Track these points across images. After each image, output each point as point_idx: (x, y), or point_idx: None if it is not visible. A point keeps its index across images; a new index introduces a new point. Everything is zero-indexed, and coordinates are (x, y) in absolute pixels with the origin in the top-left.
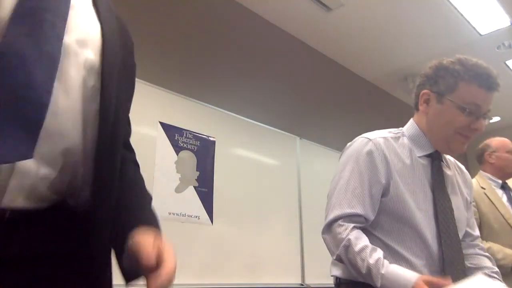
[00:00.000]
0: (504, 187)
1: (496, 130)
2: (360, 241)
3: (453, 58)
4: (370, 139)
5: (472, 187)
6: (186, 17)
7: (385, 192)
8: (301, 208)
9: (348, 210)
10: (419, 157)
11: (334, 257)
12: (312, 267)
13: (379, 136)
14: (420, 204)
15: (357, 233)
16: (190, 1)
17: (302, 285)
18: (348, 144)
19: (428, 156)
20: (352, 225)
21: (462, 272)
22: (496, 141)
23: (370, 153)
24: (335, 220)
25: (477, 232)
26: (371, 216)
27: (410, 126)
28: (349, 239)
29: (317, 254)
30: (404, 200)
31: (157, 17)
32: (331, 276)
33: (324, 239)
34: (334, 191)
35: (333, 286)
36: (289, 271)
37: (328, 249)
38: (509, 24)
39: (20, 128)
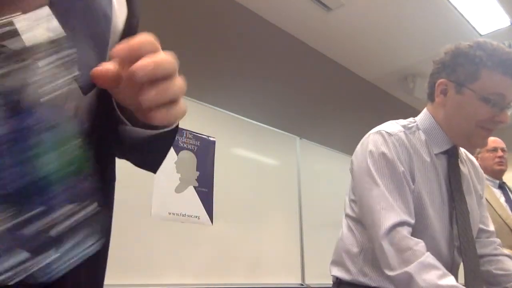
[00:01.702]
0: (502, 187)
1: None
2: (439, 265)
3: (471, 42)
4: (391, 134)
5: (484, 180)
6: (185, 17)
7: None
8: (301, 208)
9: (404, 217)
10: (436, 154)
11: (396, 273)
12: (312, 267)
13: (398, 130)
14: (436, 208)
15: (430, 254)
16: (189, 1)
17: (302, 285)
18: (366, 138)
19: (444, 152)
20: (421, 241)
21: (480, 278)
22: None
23: (396, 151)
24: (396, 226)
25: (492, 227)
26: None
27: (424, 118)
28: (428, 256)
29: (317, 254)
30: (424, 207)
31: (156, 17)
32: (331, 275)
33: (382, 246)
34: (374, 192)
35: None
36: (289, 271)
37: (382, 257)
38: (509, 24)
39: None
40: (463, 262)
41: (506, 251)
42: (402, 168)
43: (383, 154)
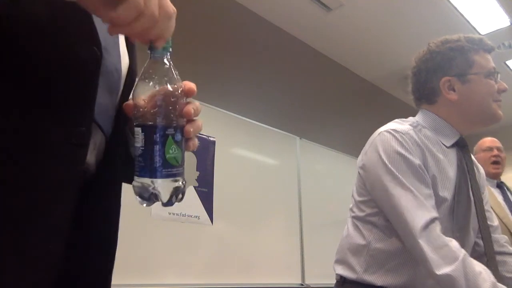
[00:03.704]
0: (500, 186)
1: (496, 130)
2: (474, 260)
3: (437, 42)
4: (402, 132)
5: (484, 177)
6: (186, 17)
7: None
8: (301, 208)
9: (434, 213)
10: (447, 147)
11: (441, 272)
12: (312, 267)
13: (407, 128)
14: (449, 200)
15: (464, 250)
16: (189, 1)
17: (302, 285)
18: (374, 140)
19: (454, 144)
20: (452, 238)
21: (495, 260)
22: (478, 143)
23: (408, 146)
24: (429, 223)
25: (496, 222)
26: None
27: (425, 116)
28: (466, 254)
29: (317, 254)
30: (439, 202)
31: None
32: (336, 274)
33: (420, 245)
34: (399, 192)
35: (333, 286)
36: (289, 271)
37: (422, 256)
38: (509, 24)
39: None
40: (484, 246)
41: None
42: (418, 162)
43: (398, 152)
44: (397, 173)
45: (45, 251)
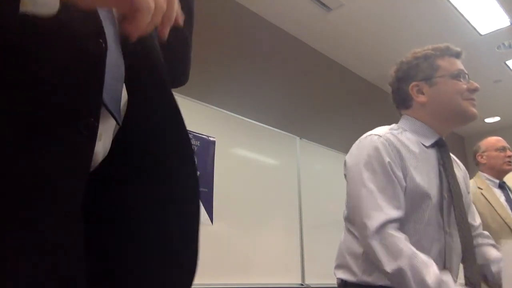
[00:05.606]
0: (502, 186)
1: (496, 130)
2: (423, 254)
3: (409, 55)
4: (380, 135)
5: (467, 177)
6: None
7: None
8: (301, 208)
9: (392, 214)
10: (427, 147)
11: (390, 269)
12: (312, 267)
13: (386, 132)
14: (434, 197)
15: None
16: None
17: (302, 285)
18: (356, 143)
19: (433, 145)
20: (404, 235)
21: (474, 254)
22: (485, 141)
23: (385, 149)
24: (384, 225)
25: (478, 221)
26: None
27: (406, 120)
28: (414, 252)
29: (317, 254)
30: (422, 197)
31: None
32: (337, 278)
33: (372, 246)
34: (363, 193)
35: (333, 286)
36: (289, 271)
37: (374, 257)
38: (509, 24)
39: None
40: (462, 242)
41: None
42: (388, 159)
43: (370, 155)
44: (365, 176)
45: (55, 244)
